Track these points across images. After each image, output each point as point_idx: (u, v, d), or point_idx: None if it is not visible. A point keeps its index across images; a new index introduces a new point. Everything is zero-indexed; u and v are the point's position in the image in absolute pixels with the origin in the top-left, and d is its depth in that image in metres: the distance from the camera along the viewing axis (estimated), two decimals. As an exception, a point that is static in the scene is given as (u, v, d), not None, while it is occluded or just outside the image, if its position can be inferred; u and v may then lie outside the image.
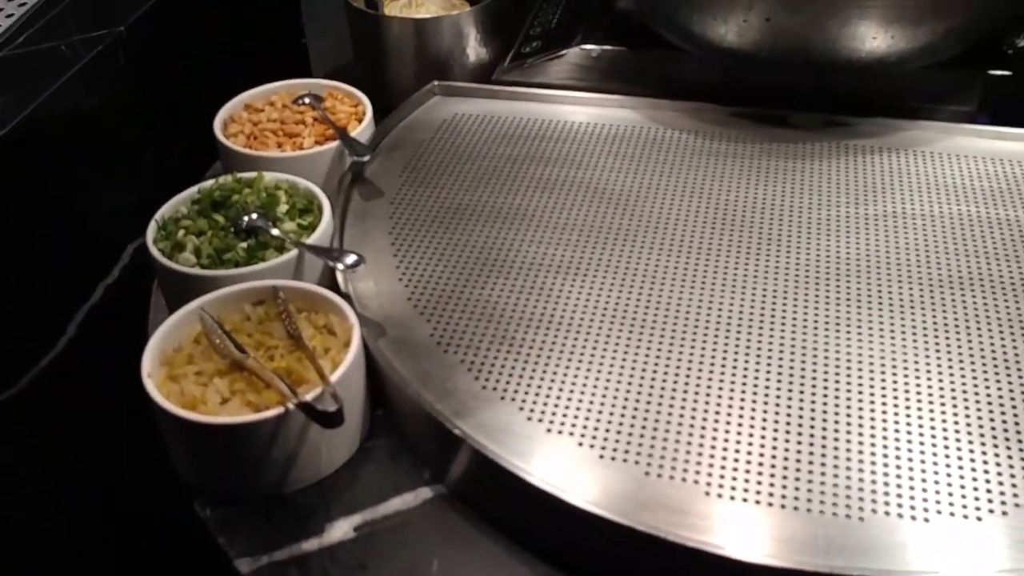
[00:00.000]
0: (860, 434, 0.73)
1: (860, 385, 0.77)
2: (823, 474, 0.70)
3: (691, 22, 1.03)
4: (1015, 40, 1.12)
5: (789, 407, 0.75)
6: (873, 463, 0.71)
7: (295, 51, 1.65)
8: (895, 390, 0.76)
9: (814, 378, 0.77)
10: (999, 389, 0.76)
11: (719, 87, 1.09)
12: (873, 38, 0.98)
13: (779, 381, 0.77)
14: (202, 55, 1.29)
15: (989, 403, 0.75)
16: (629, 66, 1.14)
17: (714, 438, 0.72)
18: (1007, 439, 0.72)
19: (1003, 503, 0.68)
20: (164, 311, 0.91)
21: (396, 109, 1.11)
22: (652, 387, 0.77)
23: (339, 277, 0.85)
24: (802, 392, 0.76)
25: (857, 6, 0.96)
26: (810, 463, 0.71)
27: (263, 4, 1.50)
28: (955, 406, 0.75)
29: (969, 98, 1.08)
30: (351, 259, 0.83)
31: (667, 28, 1.07)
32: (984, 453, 0.71)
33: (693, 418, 0.74)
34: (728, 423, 0.73)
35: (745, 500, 0.68)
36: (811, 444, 0.72)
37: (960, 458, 0.71)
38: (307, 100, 1.08)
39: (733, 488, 0.69)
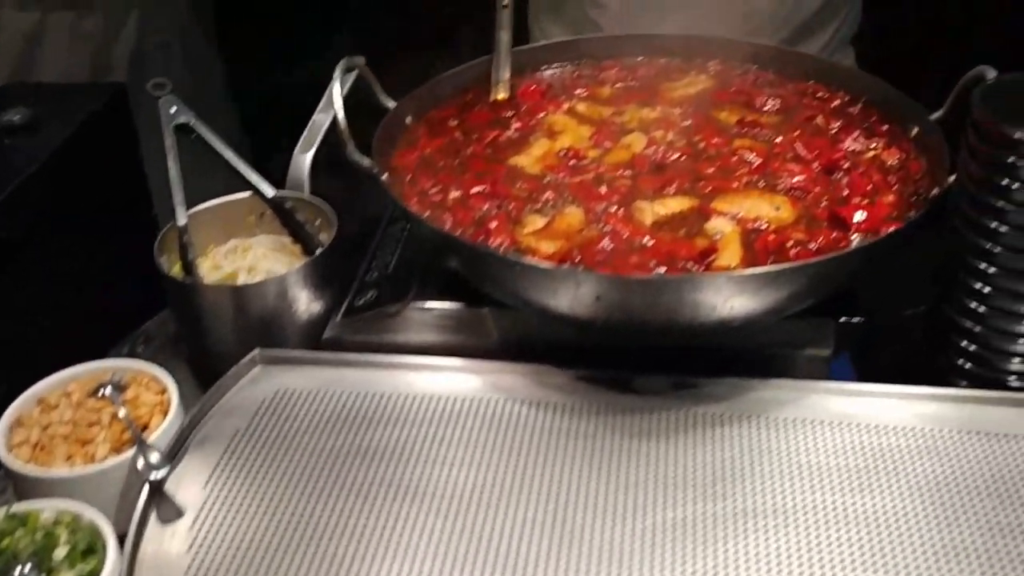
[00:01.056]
0: None
1: None
2: None
3: (518, 290, 0.96)
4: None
5: None
6: None
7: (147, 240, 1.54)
8: None
9: None
10: None
11: (560, 348, 1.02)
12: (712, 307, 0.91)
13: None
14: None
15: None
16: (466, 324, 1.06)
17: None
18: None
19: None
20: None
21: (210, 390, 1.01)
22: None
23: (111, 663, 0.74)
24: None
25: (690, 281, 0.90)
26: None
27: (110, 196, 1.40)
28: None
29: (823, 344, 1.02)
30: (119, 649, 0.71)
31: (498, 292, 1.00)
32: None
33: None
34: None
35: None
36: None
37: None
38: (107, 392, 0.97)
39: None
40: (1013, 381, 0.94)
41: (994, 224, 0.90)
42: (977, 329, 0.94)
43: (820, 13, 1.46)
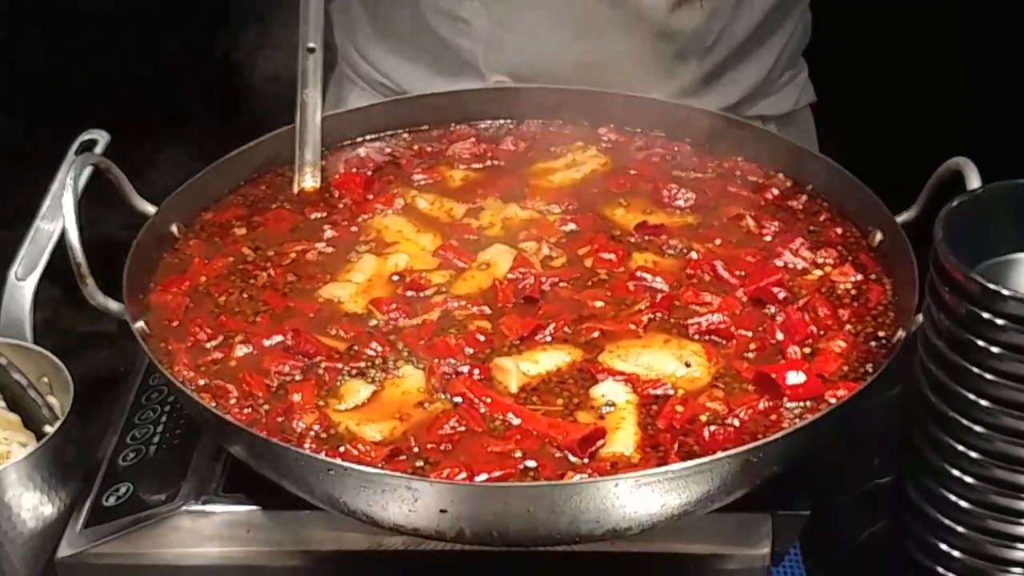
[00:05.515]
0: None
1: None
2: None
3: (333, 496, 1.00)
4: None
5: None
6: None
7: None
8: None
9: None
10: None
11: (395, 562, 1.07)
12: (598, 518, 0.97)
13: None
14: None
15: None
16: (264, 534, 1.09)
17: None
18: None
19: None
20: None
21: None
22: None
23: None
24: None
25: (566, 490, 0.96)
26: None
27: None
28: None
29: (757, 544, 1.08)
30: None
31: (306, 496, 1.04)
32: None
33: None
34: None
35: None
36: None
37: None
38: None
39: None
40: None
41: (971, 395, 0.97)
42: (961, 530, 1.01)
43: (759, 29, 1.54)
